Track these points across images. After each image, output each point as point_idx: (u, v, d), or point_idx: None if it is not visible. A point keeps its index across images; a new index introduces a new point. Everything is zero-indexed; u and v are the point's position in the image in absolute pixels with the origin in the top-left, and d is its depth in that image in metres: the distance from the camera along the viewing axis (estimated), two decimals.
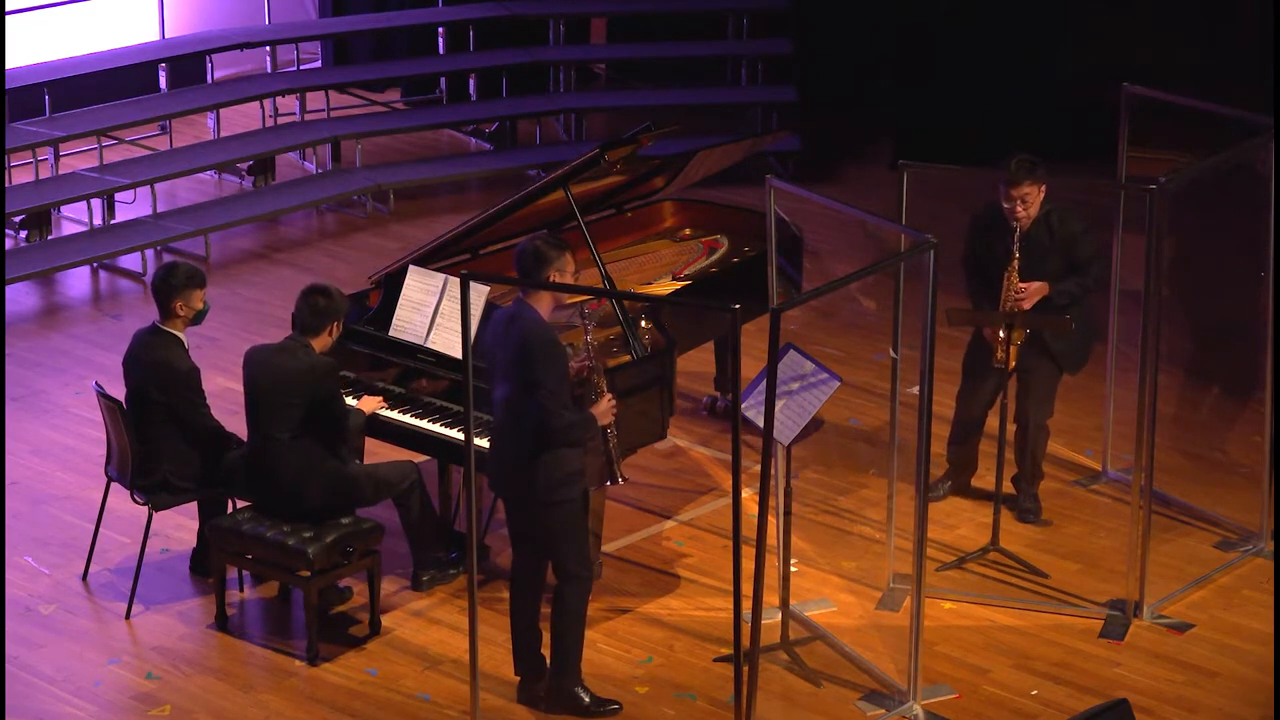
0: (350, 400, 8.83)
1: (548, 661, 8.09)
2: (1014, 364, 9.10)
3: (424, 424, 8.85)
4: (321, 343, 8.47)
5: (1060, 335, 9.20)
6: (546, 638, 8.08)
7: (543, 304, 7.79)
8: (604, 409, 7.99)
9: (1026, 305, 9.06)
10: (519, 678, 8.13)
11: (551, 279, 7.77)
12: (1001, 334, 9.04)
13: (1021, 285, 9.06)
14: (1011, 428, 9.38)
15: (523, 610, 8.06)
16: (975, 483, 9.77)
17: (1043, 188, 9.13)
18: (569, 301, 8.12)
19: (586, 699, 8.06)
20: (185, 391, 8.69)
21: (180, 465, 8.74)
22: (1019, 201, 9.06)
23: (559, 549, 7.90)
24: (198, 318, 8.80)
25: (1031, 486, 9.59)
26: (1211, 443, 10.33)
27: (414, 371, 8.96)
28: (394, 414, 8.88)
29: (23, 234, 12.70)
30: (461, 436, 8.57)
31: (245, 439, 8.74)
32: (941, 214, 9.49)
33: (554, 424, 7.69)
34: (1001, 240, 9.11)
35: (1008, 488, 9.49)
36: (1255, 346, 10.15)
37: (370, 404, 8.82)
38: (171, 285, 8.71)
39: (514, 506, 7.97)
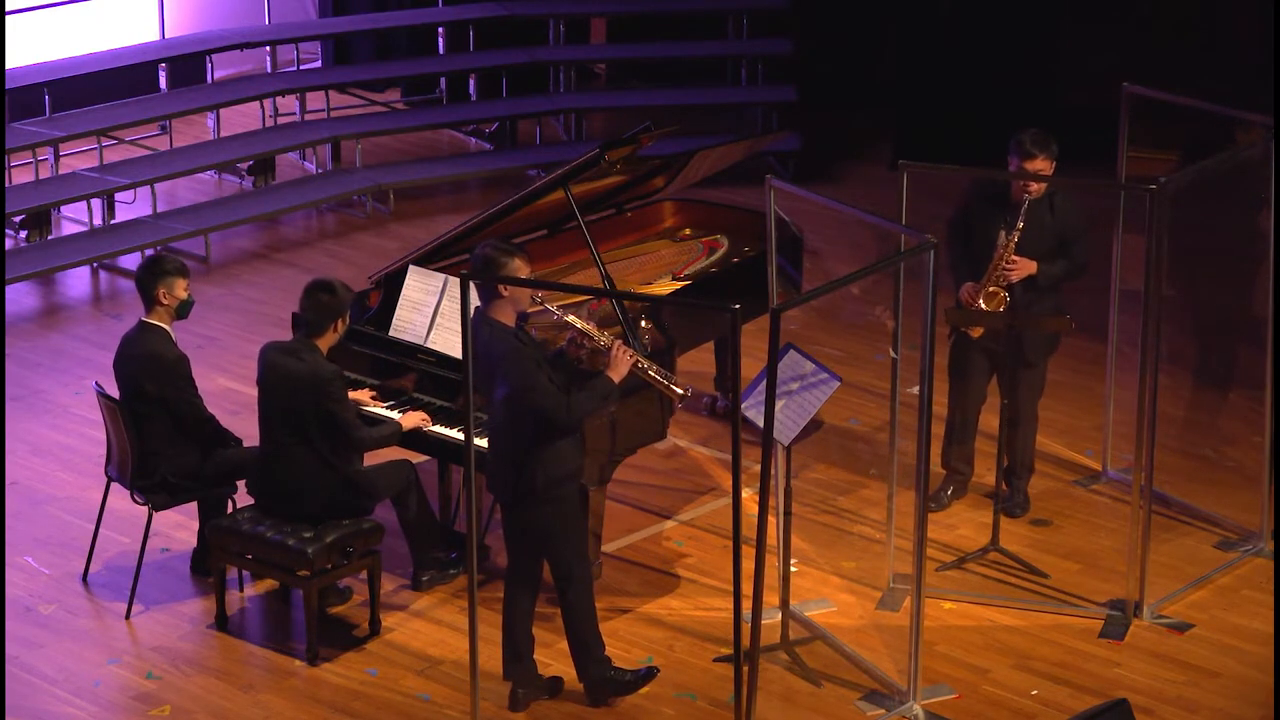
0: (394, 414, 8.80)
1: (537, 668, 8.12)
2: (980, 333, 9.14)
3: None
4: (327, 341, 8.43)
5: (1062, 332, 9.22)
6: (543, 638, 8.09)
7: (502, 313, 7.73)
8: (618, 359, 7.83)
9: (1014, 278, 9.05)
10: (509, 682, 8.06)
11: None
12: (982, 302, 9.04)
13: (1014, 258, 9.05)
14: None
15: (518, 614, 8.02)
16: (973, 481, 9.77)
17: (1052, 164, 9.14)
18: (533, 309, 7.99)
19: (626, 676, 8.08)
20: (176, 379, 8.68)
21: (178, 461, 8.73)
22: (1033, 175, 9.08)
23: (559, 548, 7.88)
24: (182, 309, 8.78)
25: (1023, 480, 9.59)
26: (1211, 443, 10.33)
27: (413, 371, 8.96)
28: (393, 414, 8.87)
29: (23, 234, 12.70)
30: (461, 436, 8.57)
31: (242, 437, 8.74)
32: (941, 214, 9.48)
33: (562, 417, 7.66)
34: (1003, 211, 9.10)
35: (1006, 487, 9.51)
36: (1255, 346, 10.15)
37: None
38: (154, 274, 8.74)
39: (511, 507, 7.93)
